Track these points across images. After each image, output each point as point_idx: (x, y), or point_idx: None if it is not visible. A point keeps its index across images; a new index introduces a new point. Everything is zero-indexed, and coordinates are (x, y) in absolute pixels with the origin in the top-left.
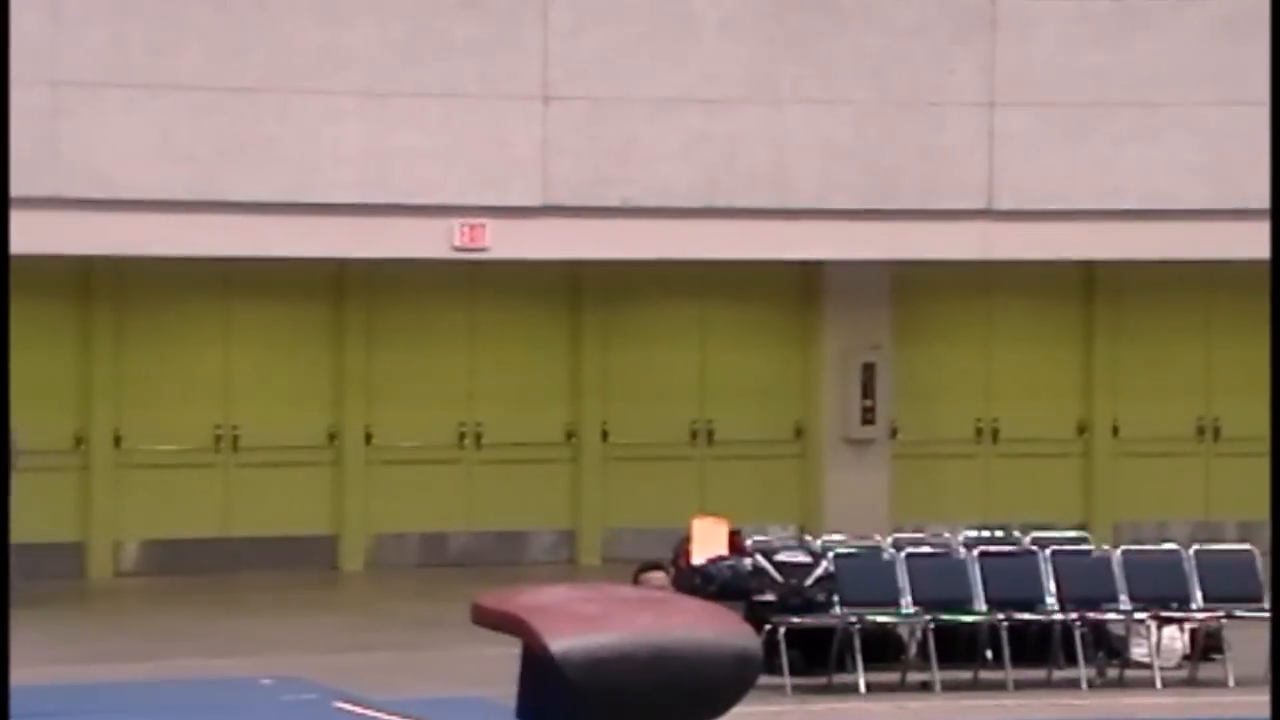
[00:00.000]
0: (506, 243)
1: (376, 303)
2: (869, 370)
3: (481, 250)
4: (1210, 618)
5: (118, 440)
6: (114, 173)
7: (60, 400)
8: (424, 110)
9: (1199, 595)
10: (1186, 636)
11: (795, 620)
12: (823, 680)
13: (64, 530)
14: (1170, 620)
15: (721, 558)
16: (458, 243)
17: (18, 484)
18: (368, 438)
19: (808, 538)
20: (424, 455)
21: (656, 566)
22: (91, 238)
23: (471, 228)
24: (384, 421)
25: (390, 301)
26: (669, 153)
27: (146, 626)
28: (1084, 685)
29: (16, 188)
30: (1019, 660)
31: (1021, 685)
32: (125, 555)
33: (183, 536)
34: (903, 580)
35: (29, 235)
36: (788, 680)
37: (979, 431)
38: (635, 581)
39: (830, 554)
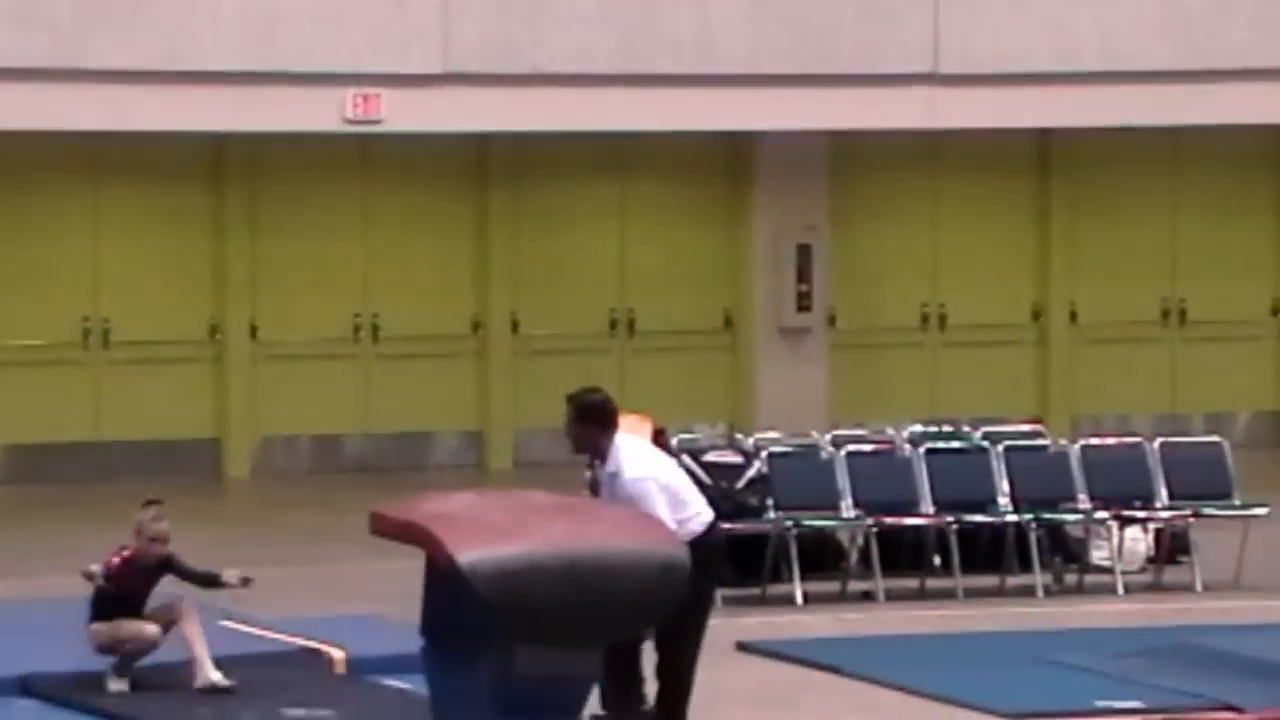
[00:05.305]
0: (404, 114)
1: (260, 182)
2: (804, 253)
3: (376, 122)
4: (1176, 517)
5: None
6: None
7: None
8: None
9: (1164, 493)
10: (1151, 537)
11: (726, 526)
12: (756, 591)
13: None
14: (1133, 520)
15: None
16: (350, 114)
17: None
18: (253, 331)
19: (739, 436)
20: (315, 350)
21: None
22: None
23: (365, 98)
24: (270, 313)
25: (276, 181)
26: (583, 14)
27: (10, 541)
28: (1040, 592)
29: None
30: (969, 567)
31: (972, 593)
32: None
33: (49, 441)
34: (843, 481)
35: None
36: (718, 592)
37: (925, 319)
38: None
39: (763, 454)
